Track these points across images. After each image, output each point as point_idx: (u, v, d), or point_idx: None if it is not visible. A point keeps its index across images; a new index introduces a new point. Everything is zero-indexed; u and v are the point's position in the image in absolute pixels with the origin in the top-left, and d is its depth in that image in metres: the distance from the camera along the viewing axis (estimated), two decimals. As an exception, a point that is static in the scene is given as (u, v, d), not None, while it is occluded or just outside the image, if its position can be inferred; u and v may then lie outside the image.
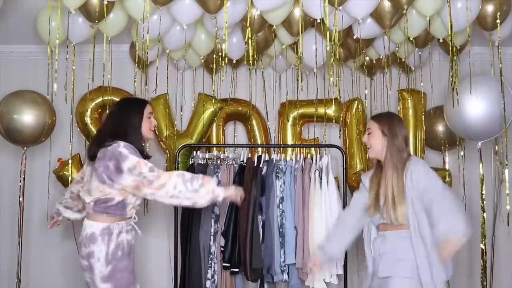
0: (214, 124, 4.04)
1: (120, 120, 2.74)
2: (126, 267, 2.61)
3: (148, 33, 3.11)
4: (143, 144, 2.79)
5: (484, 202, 3.68)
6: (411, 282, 2.70)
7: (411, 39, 3.45)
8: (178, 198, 2.58)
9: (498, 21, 3.21)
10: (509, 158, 4.02)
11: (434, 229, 2.65)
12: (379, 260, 2.81)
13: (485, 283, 3.65)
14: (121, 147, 2.58)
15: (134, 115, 2.75)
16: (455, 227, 2.62)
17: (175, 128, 4.04)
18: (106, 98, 3.74)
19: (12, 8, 3.50)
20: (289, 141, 4.05)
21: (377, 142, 2.85)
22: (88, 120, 3.83)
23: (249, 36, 3.16)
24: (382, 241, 2.82)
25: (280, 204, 3.57)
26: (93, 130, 3.83)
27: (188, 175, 2.62)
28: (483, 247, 3.65)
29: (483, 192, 3.69)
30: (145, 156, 2.73)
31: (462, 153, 4.00)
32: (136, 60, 3.77)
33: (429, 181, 2.73)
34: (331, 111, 4.00)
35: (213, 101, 3.91)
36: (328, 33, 3.15)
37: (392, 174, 2.76)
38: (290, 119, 4.06)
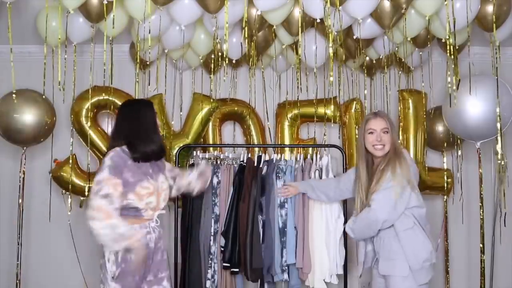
0: (210, 124, 4.03)
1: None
2: None
3: (138, 32, 3.11)
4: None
5: (484, 202, 3.69)
6: (409, 281, 2.76)
7: (408, 39, 3.45)
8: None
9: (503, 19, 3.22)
10: (509, 159, 4.05)
11: None
12: (378, 257, 2.88)
13: (484, 283, 3.66)
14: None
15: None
16: None
17: (171, 128, 4.03)
18: (101, 98, 3.73)
19: (12, 7, 3.48)
20: (287, 141, 4.05)
21: (389, 140, 2.87)
22: (83, 120, 3.82)
23: (245, 36, 3.17)
24: (381, 238, 2.88)
25: (280, 204, 3.57)
26: (88, 129, 3.79)
27: (119, 229, 2.49)
28: (482, 246, 3.67)
29: (482, 192, 3.70)
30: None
31: (460, 153, 4.00)
32: (137, 60, 3.77)
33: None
34: (329, 111, 4.01)
35: (209, 100, 3.90)
36: (329, 32, 3.15)
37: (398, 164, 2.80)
38: (288, 119, 4.06)
